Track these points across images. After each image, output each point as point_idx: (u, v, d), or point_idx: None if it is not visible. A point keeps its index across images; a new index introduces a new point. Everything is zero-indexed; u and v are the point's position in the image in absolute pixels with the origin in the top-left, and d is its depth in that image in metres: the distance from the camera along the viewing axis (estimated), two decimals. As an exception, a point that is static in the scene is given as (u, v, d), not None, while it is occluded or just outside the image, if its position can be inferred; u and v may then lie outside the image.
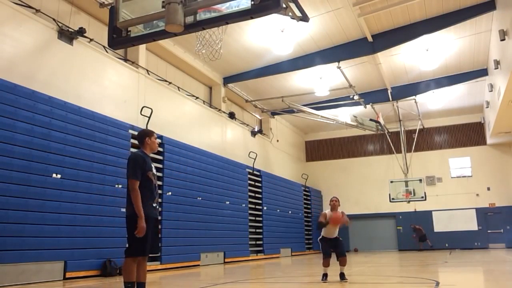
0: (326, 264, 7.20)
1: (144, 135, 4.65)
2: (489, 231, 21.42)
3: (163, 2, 4.12)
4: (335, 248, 7.23)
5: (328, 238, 7.28)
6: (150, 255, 4.71)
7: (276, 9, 3.94)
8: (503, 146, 21.84)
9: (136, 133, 10.71)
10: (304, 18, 5.39)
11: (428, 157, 23.23)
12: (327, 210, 7.42)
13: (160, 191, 11.31)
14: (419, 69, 16.63)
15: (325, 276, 7.13)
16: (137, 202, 4.25)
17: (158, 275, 9.74)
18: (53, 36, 9.26)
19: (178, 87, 14.06)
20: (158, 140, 4.76)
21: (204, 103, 15.51)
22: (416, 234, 22.08)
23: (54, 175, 8.25)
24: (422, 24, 13.44)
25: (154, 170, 4.57)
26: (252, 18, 4.12)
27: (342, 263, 7.15)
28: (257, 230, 17.08)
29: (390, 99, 18.71)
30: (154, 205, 4.51)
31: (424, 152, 23.27)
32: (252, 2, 3.93)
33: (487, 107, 18.76)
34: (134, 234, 4.25)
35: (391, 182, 21.02)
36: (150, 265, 10.71)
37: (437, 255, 16.38)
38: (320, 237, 7.39)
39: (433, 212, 22.46)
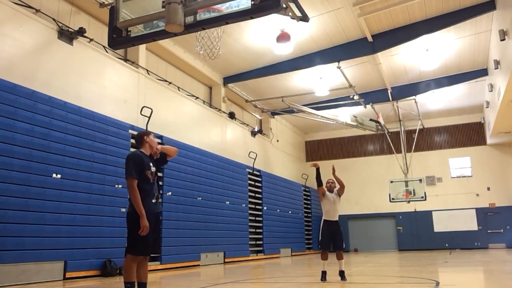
0: (324, 257, 7.26)
1: (142, 134, 4.71)
2: (489, 231, 21.43)
3: (163, 2, 4.11)
4: (334, 237, 7.30)
5: (330, 222, 7.38)
6: (151, 255, 4.70)
7: (276, 9, 3.93)
8: (503, 146, 21.84)
9: (136, 133, 10.78)
10: (304, 18, 5.39)
11: (428, 157, 23.23)
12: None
13: (160, 191, 11.31)
14: (419, 69, 16.62)
15: (324, 274, 7.13)
16: (137, 200, 4.24)
17: (158, 275, 9.75)
18: (53, 36, 9.25)
19: (178, 87, 14.06)
20: (158, 140, 4.72)
21: (204, 103, 15.51)
22: None
23: (54, 175, 8.25)
24: (422, 24, 13.43)
25: (152, 169, 4.56)
26: (252, 18, 4.11)
27: (339, 256, 7.19)
28: (257, 230, 17.07)
29: (390, 99, 18.69)
30: (154, 201, 4.49)
31: (424, 152, 23.26)
32: (252, 2, 3.92)
33: (487, 107, 18.76)
34: (134, 232, 4.23)
35: (391, 182, 20.99)
36: (150, 265, 10.67)
37: (437, 255, 16.38)
38: (322, 221, 7.43)
39: (433, 212, 22.46)
